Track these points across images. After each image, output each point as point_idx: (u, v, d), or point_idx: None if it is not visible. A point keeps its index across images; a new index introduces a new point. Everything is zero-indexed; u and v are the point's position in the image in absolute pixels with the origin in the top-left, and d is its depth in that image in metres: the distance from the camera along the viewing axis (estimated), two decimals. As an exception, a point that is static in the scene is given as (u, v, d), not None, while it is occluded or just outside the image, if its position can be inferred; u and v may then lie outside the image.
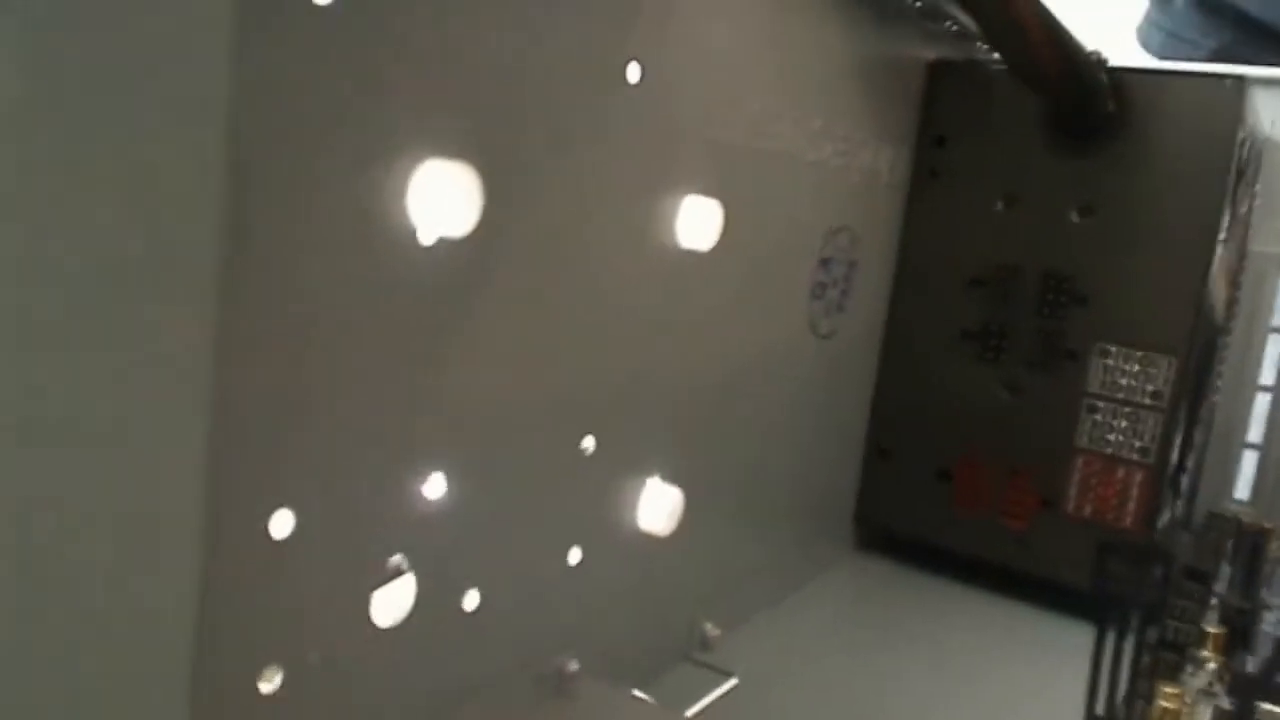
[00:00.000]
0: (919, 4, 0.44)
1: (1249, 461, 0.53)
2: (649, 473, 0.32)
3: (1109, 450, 0.43)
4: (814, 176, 0.39)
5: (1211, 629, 0.37)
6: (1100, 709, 0.28)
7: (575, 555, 0.30)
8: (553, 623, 0.30)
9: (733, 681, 0.34)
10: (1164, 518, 0.43)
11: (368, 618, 0.24)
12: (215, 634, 0.19)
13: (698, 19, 0.31)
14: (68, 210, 0.14)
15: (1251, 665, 0.34)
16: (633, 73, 0.28)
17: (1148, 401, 0.42)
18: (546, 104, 0.26)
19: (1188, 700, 0.32)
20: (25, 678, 0.15)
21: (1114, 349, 0.43)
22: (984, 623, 0.44)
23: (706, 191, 0.32)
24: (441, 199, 0.22)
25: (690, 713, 0.33)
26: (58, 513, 0.15)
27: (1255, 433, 0.52)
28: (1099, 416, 0.43)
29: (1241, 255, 0.51)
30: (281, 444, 0.21)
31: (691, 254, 0.32)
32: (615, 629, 0.33)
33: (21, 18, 0.13)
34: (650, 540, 0.33)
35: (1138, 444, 0.42)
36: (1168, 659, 0.35)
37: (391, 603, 0.24)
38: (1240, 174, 0.44)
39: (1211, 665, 0.36)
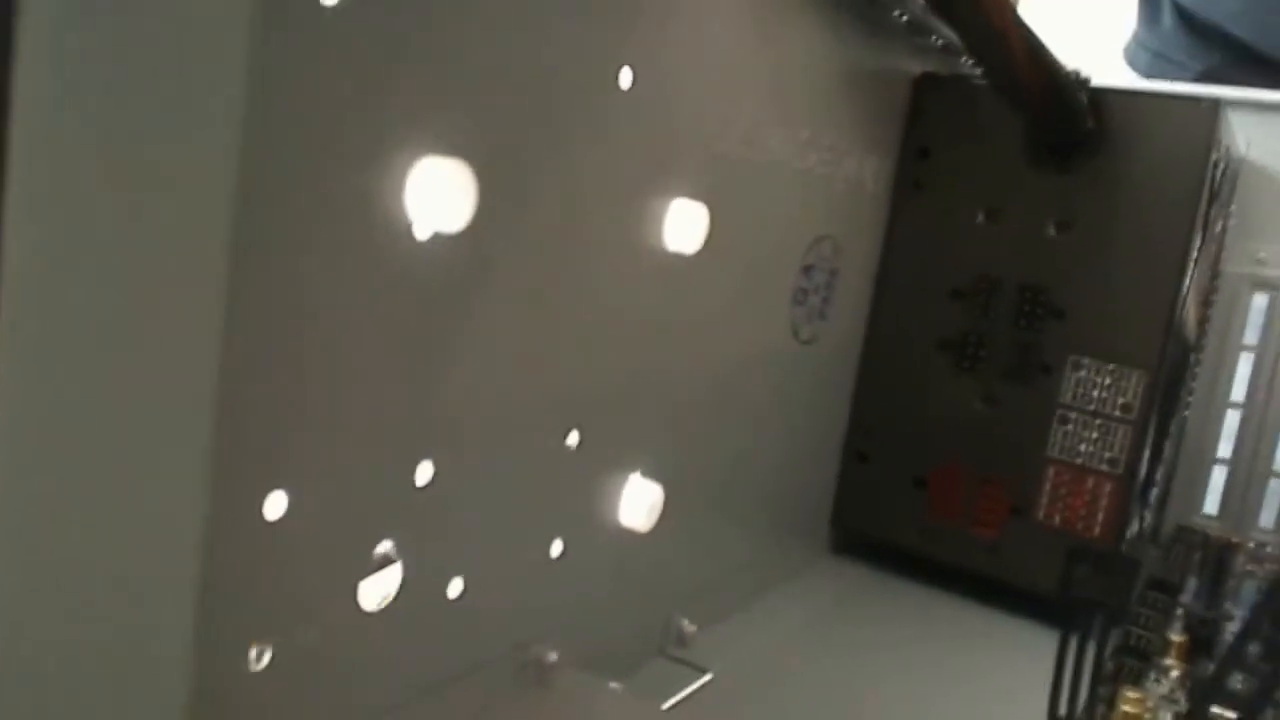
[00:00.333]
0: (906, 19, 0.44)
1: (1218, 477, 0.54)
2: (631, 469, 0.33)
3: (1079, 460, 0.44)
4: (799, 184, 0.40)
5: (1175, 637, 0.38)
6: (1062, 711, 0.29)
7: (557, 547, 0.31)
8: (533, 613, 0.31)
9: (707, 677, 0.35)
10: (1132, 528, 0.44)
11: (355, 601, 0.24)
12: (211, 612, 0.20)
13: (689, 28, 0.32)
14: (82, 204, 0.15)
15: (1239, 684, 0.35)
16: (625, 78, 0.29)
17: (1118, 414, 0.43)
18: (540, 105, 0.27)
19: (1149, 705, 0.32)
20: (27, 653, 0.16)
21: (1087, 361, 0.44)
22: (954, 627, 0.45)
23: (694, 195, 0.32)
24: (437, 194, 0.23)
25: (665, 706, 0.33)
26: (64, 491, 0.16)
27: (1225, 449, 0.54)
28: (1070, 427, 0.44)
29: (1214, 274, 0.52)
30: (277, 428, 0.21)
31: (678, 256, 0.32)
32: (594, 622, 0.33)
33: (51, 17, 0.14)
34: (630, 535, 0.33)
35: (1107, 455, 0.43)
36: (1132, 665, 0.36)
37: (378, 587, 0.25)
38: (1214, 194, 0.45)
39: (1175, 673, 0.37)
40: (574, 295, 0.29)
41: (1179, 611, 0.40)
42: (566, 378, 0.30)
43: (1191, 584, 0.43)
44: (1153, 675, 0.36)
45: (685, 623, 0.37)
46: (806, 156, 0.40)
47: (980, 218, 0.46)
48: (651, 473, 0.34)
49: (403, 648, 0.26)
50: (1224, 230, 0.51)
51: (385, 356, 0.24)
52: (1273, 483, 0.52)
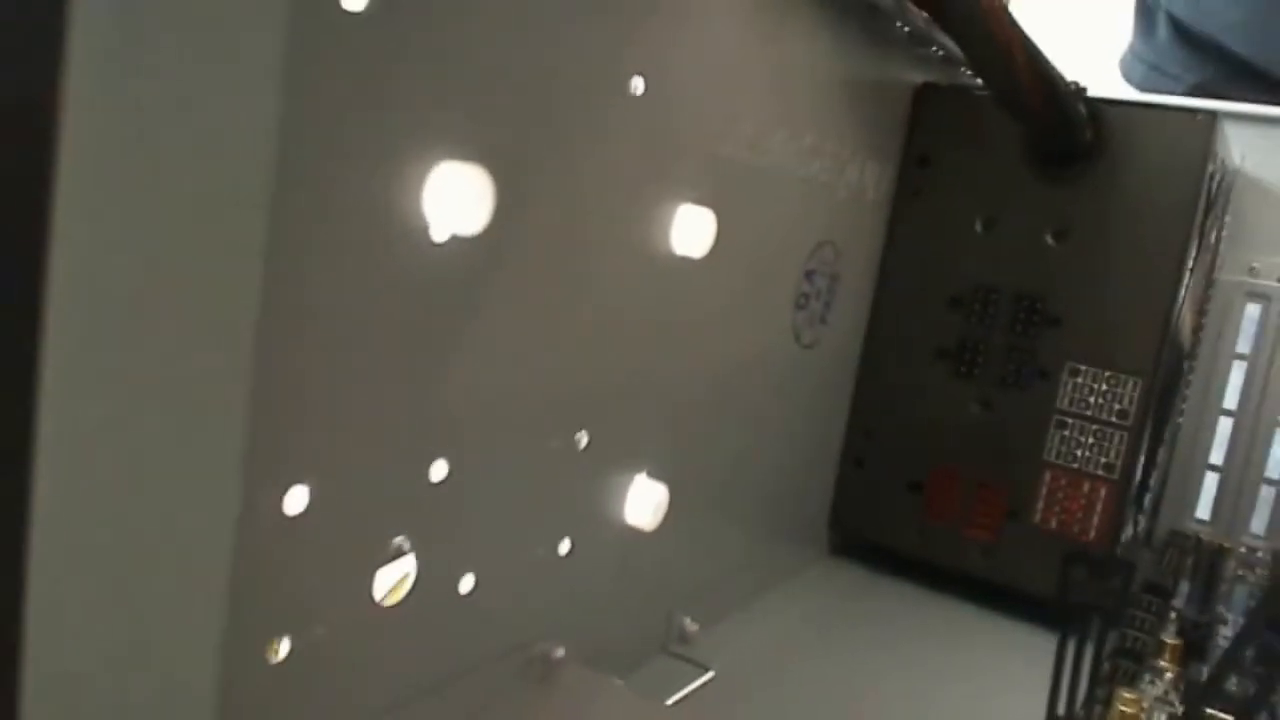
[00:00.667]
0: (908, 30, 0.45)
1: (1210, 482, 0.54)
2: (637, 469, 0.34)
3: (1076, 465, 0.44)
4: (803, 191, 0.41)
5: (1169, 640, 0.38)
6: (1061, 710, 0.29)
7: (565, 545, 0.31)
8: (541, 610, 0.31)
9: (709, 674, 0.36)
10: (1126, 532, 0.45)
11: (370, 594, 0.25)
12: (235, 606, 0.20)
13: (698, 37, 0.32)
14: (122, 207, 0.16)
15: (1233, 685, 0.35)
16: (637, 85, 0.30)
17: (1114, 420, 0.44)
18: (555, 112, 0.27)
19: (1144, 706, 0.33)
20: (63, 641, 0.16)
21: (1084, 369, 0.44)
22: (951, 628, 0.45)
23: (701, 201, 0.33)
24: (456, 198, 0.24)
25: (669, 702, 0.34)
26: (106, 488, 0.16)
27: (1217, 455, 0.54)
28: (1067, 433, 0.45)
29: (1209, 283, 0.53)
30: (298, 424, 0.22)
31: (685, 260, 0.33)
32: (599, 619, 0.34)
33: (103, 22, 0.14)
34: (634, 534, 0.34)
35: (1103, 460, 0.44)
36: (1127, 667, 0.37)
37: (393, 582, 0.25)
38: (1209, 205, 0.45)
39: (1169, 675, 0.37)
40: (583, 298, 0.30)
41: (1172, 615, 0.41)
42: (575, 379, 0.30)
43: (1184, 588, 0.44)
44: (1147, 677, 0.37)
45: (687, 621, 0.38)
46: (810, 163, 0.41)
47: (978, 226, 0.47)
48: (656, 473, 0.34)
49: (415, 642, 0.27)
50: (1218, 240, 0.51)
51: (402, 356, 0.24)
52: (1264, 489, 0.53)
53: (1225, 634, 0.40)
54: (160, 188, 0.16)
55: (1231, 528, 0.53)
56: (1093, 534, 0.44)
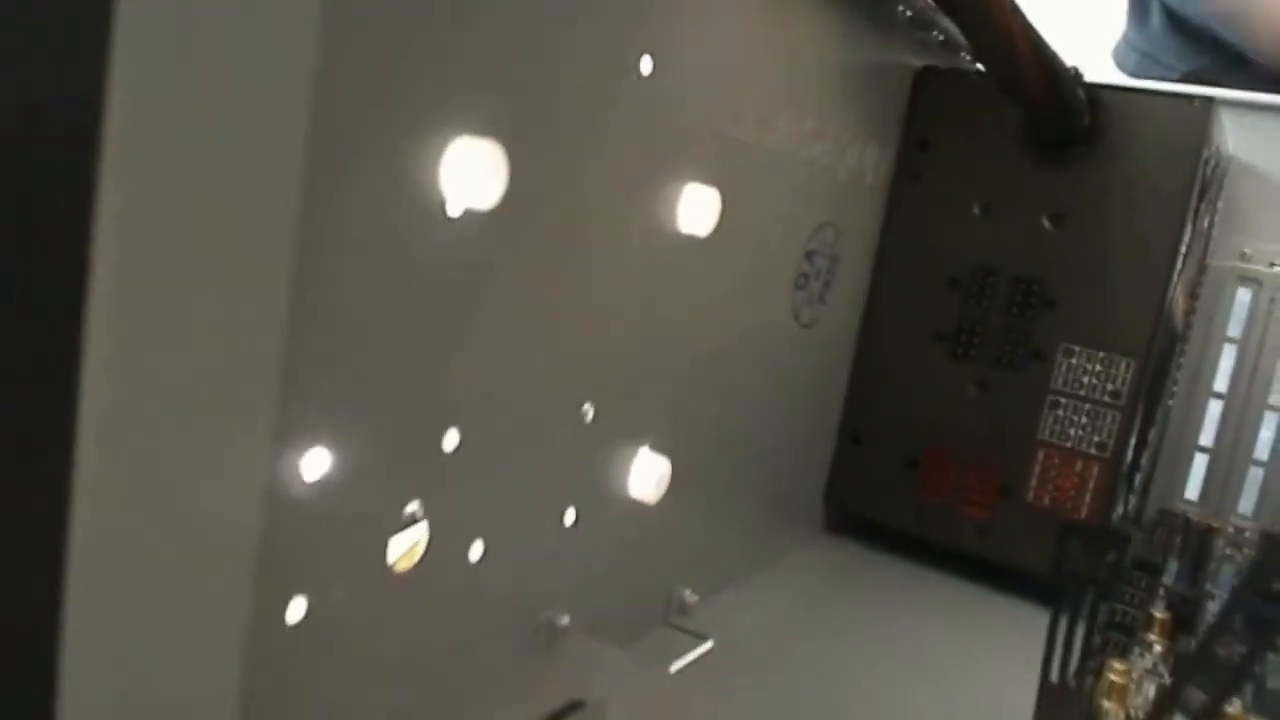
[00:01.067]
0: (909, 13, 0.46)
1: (1200, 463, 0.55)
2: (640, 442, 0.34)
3: (1069, 444, 0.45)
4: (804, 172, 0.41)
5: (1159, 615, 0.39)
6: (1054, 677, 0.30)
7: (570, 516, 0.32)
8: (546, 579, 0.32)
9: (708, 644, 0.36)
10: (1117, 510, 0.46)
11: (384, 559, 0.25)
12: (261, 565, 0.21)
13: (704, 18, 0.33)
14: (166, 190, 0.16)
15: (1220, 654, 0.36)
16: (645, 65, 0.30)
17: (1107, 400, 0.45)
18: (565, 90, 0.28)
19: (1134, 677, 0.34)
20: (99, 601, 0.17)
21: (1078, 349, 0.45)
22: (945, 603, 0.46)
23: (707, 180, 0.33)
24: (471, 173, 0.24)
25: (670, 671, 0.34)
26: (143, 456, 0.17)
27: (1207, 437, 0.55)
28: (1061, 412, 0.45)
29: (1201, 268, 0.53)
30: (317, 391, 0.23)
31: (689, 239, 0.34)
32: (601, 589, 0.35)
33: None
34: (637, 507, 0.34)
35: (1096, 439, 0.45)
36: (1117, 640, 0.37)
37: (406, 546, 0.26)
38: (1204, 190, 0.46)
39: (1158, 648, 0.38)
40: (591, 274, 0.31)
41: (1161, 592, 0.41)
42: (582, 353, 0.31)
43: (1173, 566, 0.45)
44: (1137, 650, 0.37)
45: (687, 593, 0.38)
46: (811, 145, 0.41)
47: (976, 209, 0.47)
48: (659, 447, 0.35)
49: (426, 608, 0.27)
50: (1211, 226, 0.52)
51: (417, 327, 0.25)
52: (1252, 470, 0.54)
53: (1213, 610, 0.41)
54: (198, 157, 0.17)
55: (1220, 508, 0.54)
56: (1084, 512, 0.45)
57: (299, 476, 0.23)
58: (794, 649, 0.40)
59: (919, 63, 0.49)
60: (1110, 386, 0.44)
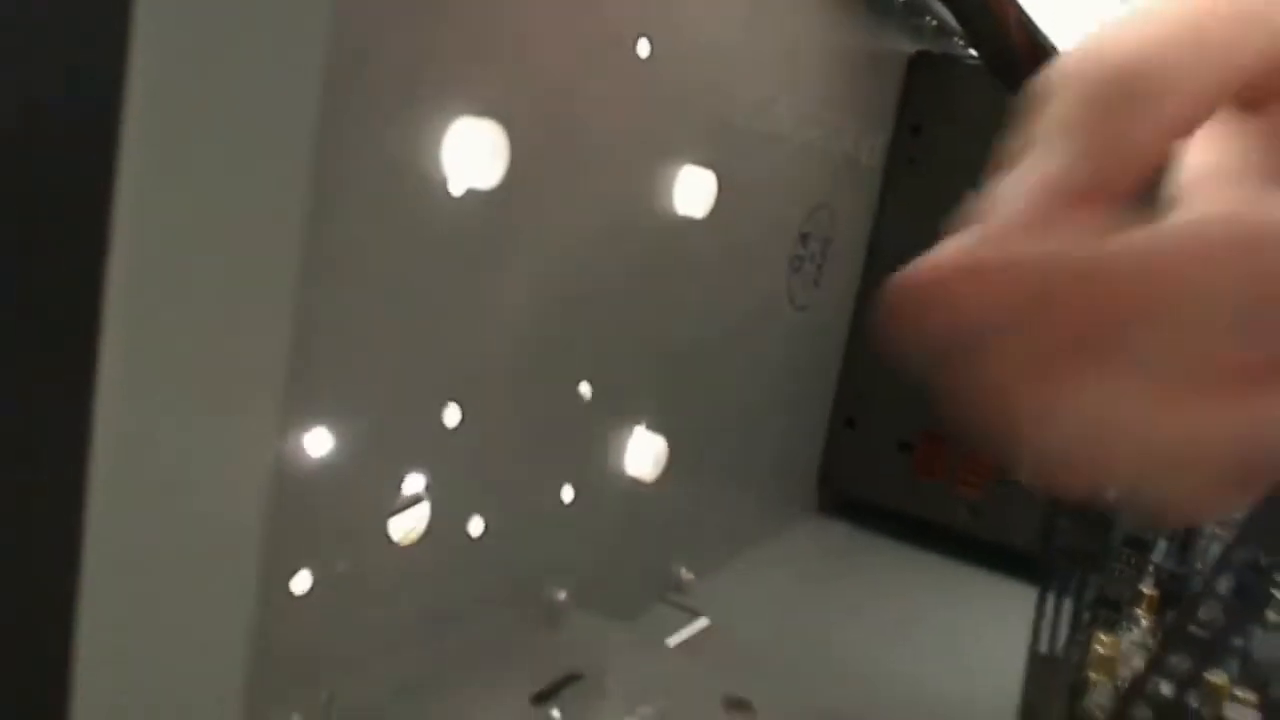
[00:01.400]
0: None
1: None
2: (637, 421, 0.35)
3: (1060, 425, 0.46)
4: (800, 156, 0.42)
5: (1147, 591, 0.40)
6: (1043, 649, 0.31)
7: (569, 493, 0.33)
8: (545, 555, 0.32)
9: (704, 621, 0.37)
10: (1109, 490, 0.46)
11: (386, 533, 0.26)
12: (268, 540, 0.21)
13: (702, 2, 0.33)
14: (177, 175, 0.16)
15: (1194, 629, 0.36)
16: (643, 47, 0.31)
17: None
18: (566, 71, 0.28)
19: (1122, 649, 0.35)
20: (117, 570, 0.17)
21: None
22: (937, 580, 0.47)
23: (703, 162, 0.34)
24: (473, 153, 0.25)
25: (667, 645, 0.35)
26: (160, 433, 0.17)
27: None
28: (1053, 393, 0.46)
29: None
30: (321, 369, 0.23)
31: (686, 221, 0.34)
32: (599, 566, 0.35)
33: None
34: (634, 485, 0.35)
35: (1087, 420, 0.45)
36: (1106, 615, 0.38)
37: (408, 521, 0.26)
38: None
39: (1145, 623, 0.39)
40: (588, 254, 0.31)
41: (1151, 568, 0.42)
42: (580, 332, 0.32)
43: (1162, 544, 0.45)
44: (1125, 624, 0.38)
45: (683, 570, 0.39)
46: (807, 129, 0.42)
47: (970, 193, 0.48)
48: (655, 426, 0.35)
49: (427, 581, 0.28)
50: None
51: (419, 305, 0.25)
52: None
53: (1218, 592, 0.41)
54: (214, 144, 0.17)
55: None
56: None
57: (304, 454, 0.23)
58: (787, 625, 0.40)
59: (913, 48, 0.49)
60: (1100, 368, 0.45)
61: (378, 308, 0.24)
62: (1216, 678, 0.32)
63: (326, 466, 0.24)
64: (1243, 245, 0.15)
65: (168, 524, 0.18)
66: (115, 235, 0.15)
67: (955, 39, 0.50)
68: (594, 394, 0.32)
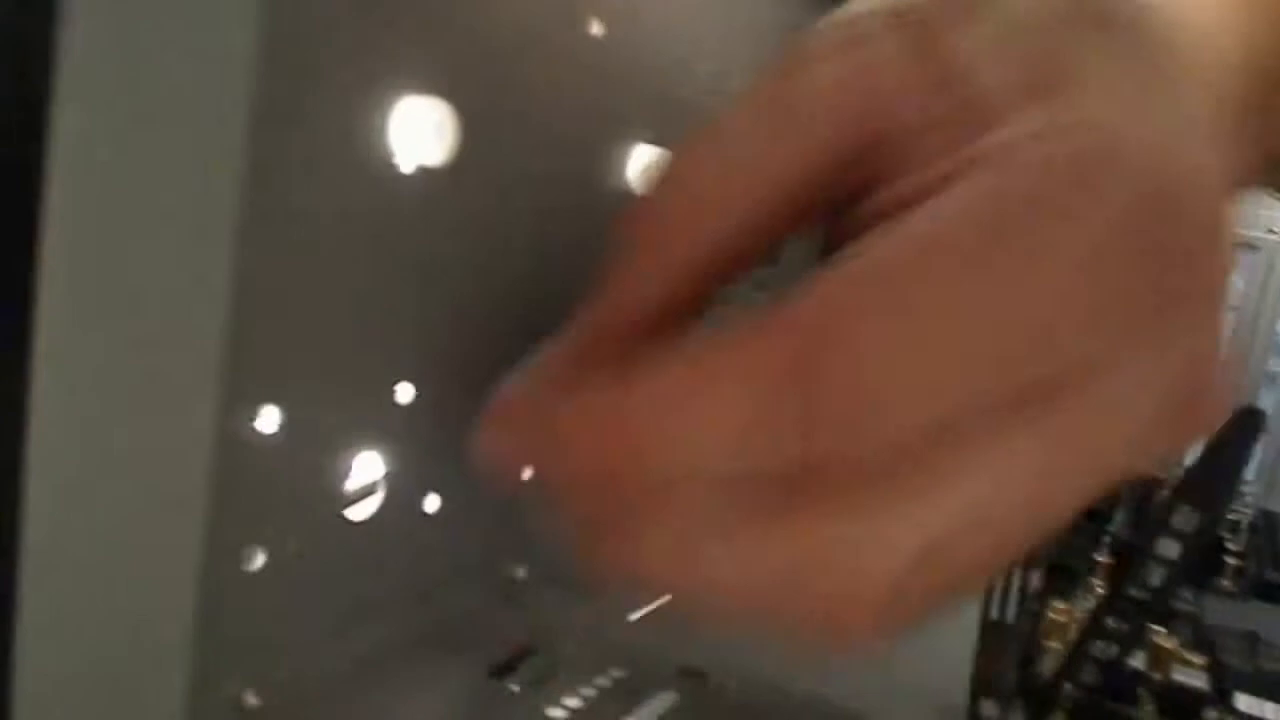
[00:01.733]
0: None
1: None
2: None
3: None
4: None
5: (1102, 560, 0.40)
6: (994, 614, 0.31)
7: (528, 470, 0.33)
8: (504, 532, 0.33)
9: (666, 596, 0.37)
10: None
11: (339, 510, 0.26)
12: (213, 516, 0.21)
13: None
14: (116, 143, 0.16)
15: (1134, 591, 0.37)
16: (595, 26, 0.31)
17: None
18: (515, 49, 0.28)
19: (1076, 616, 0.35)
20: (55, 554, 0.17)
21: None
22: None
23: (657, 142, 0.34)
24: (420, 131, 0.25)
25: (632, 618, 0.35)
26: (96, 410, 0.17)
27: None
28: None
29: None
30: (269, 346, 0.23)
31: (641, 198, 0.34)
32: (559, 543, 0.35)
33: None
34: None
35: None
36: (1061, 584, 0.39)
37: (360, 498, 0.27)
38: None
39: (1100, 591, 0.39)
40: (542, 229, 0.31)
41: (1107, 538, 0.43)
42: (532, 308, 0.32)
43: (1119, 515, 0.46)
44: (1080, 592, 0.39)
45: (646, 547, 0.39)
46: (763, 107, 0.42)
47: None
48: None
49: (383, 558, 0.28)
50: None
51: (370, 281, 0.25)
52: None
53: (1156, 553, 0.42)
54: (144, 115, 0.17)
55: (1163, 459, 0.55)
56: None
57: (253, 431, 0.23)
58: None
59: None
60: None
61: (329, 283, 0.24)
62: (1167, 642, 0.32)
63: (277, 444, 0.24)
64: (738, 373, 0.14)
65: (108, 501, 0.18)
66: (48, 208, 0.15)
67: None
68: (550, 372, 0.33)
